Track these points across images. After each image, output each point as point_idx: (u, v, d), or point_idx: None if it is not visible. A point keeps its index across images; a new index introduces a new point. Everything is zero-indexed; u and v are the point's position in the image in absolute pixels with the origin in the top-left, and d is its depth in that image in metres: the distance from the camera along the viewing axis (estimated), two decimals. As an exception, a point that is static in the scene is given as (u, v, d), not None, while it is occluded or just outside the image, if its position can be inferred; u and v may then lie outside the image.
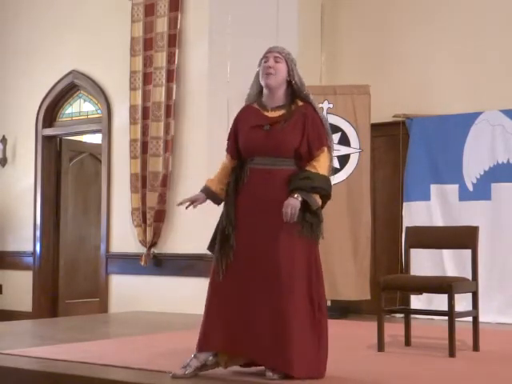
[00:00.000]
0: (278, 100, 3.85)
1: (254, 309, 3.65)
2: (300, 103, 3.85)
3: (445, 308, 4.59)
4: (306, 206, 3.68)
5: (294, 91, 3.86)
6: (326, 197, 3.81)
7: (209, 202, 3.98)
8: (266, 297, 3.63)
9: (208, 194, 3.94)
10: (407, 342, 4.92)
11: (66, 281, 8.65)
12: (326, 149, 3.80)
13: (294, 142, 3.74)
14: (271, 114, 3.83)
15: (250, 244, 3.71)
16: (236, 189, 3.82)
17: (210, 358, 3.75)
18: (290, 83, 3.85)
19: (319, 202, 3.75)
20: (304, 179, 3.70)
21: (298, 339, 3.59)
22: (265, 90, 3.86)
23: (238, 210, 3.77)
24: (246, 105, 3.95)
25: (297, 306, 3.63)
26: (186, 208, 3.95)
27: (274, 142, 3.74)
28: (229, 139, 3.96)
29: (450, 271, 6.84)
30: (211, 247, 3.85)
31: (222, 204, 3.91)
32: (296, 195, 3.66)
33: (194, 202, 3.93)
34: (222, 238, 3.77)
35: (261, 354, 3.64)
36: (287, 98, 3.85)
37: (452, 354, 4.46)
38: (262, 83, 3.83)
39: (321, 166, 3.76)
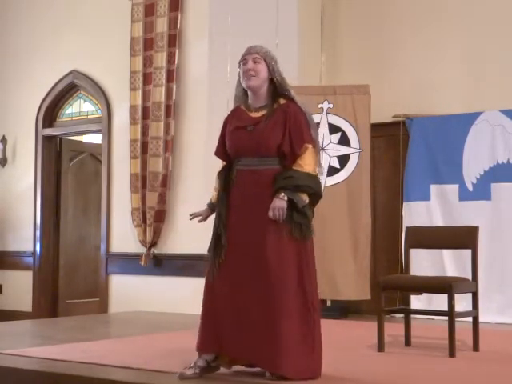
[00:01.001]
0: (262, 100, 3.83)
1: (245, 309, 3.64)
2: (283, 101, 3.82)
3: (445, 308, 4.58)
4: (293, 204, 3.66)
5: (276, 89, 3.84)
6: (315, 195, 3.77)
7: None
8: (257, 297, 3.62)
9: (210, 205, 3.96)
10: (407, 342, 4.92)
11: (65, 281, 8.65)
12: (310, 146, 3.74)
13: (275, 140, 3.72)
14: (254, 115, 3.82)
15: (241, 244, 3.70)
16: (226, 189, 3.83)
17: (212, 359, 3.74)
18: (272, 81, 3.83)
19: (306, 200, 3.71)
20: (288, 178, 3.68)
21: (286, 339, 3.56)
22: (248, 91, 3.86)
23: (229, 211, 3.78)
24: (234, 107, 3.96)
25: (288, 306, 3.60)
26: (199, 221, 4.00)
27: (256, 142, 3.73)
28: (218, 142, 3.96)
29: (450, 271, 6.83)
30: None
31: None
32: (282, 195, 3.64)
33: (199, 217, 3.97)
34: (214, 237, 3.79)
35: (252, 355, 3.64)
36: (270, 97, 3.83)
37: (452, 354, 4.46)
38: (244, 85, 3.82)
39: (306, 163, 3.72)
